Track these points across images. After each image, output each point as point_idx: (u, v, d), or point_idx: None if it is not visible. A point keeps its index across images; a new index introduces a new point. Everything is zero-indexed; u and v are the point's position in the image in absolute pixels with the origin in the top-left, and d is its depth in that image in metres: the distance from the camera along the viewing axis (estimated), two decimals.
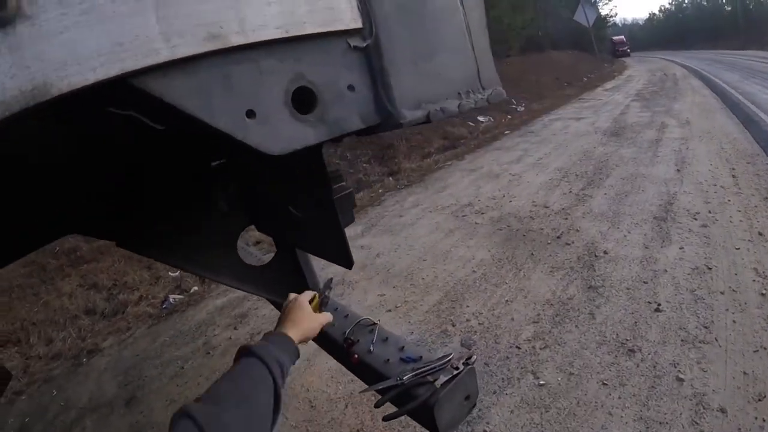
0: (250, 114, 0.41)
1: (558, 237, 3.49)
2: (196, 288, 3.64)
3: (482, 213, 4.31)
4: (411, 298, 2.94)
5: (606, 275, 2.81)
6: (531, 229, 3.75)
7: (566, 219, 3.82)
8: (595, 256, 3.08)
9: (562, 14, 24.99)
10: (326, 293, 1.16)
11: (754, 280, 2.54)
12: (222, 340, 2.84)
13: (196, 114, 0.38)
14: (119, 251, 4.22)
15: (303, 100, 0.44)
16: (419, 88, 0.51)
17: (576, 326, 2.37)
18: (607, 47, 37.35)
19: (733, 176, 4.29)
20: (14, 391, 2.62)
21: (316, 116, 0.44)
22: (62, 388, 2.62)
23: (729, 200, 3.73)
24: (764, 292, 2.42)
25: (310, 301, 0.99)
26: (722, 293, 2.46)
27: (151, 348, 2.90)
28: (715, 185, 4.11)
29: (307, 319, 0.94)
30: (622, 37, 45.09)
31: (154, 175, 1.26)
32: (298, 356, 0.86)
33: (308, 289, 1.61)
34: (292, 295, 1.01)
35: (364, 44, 0.46)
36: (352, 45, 0.46)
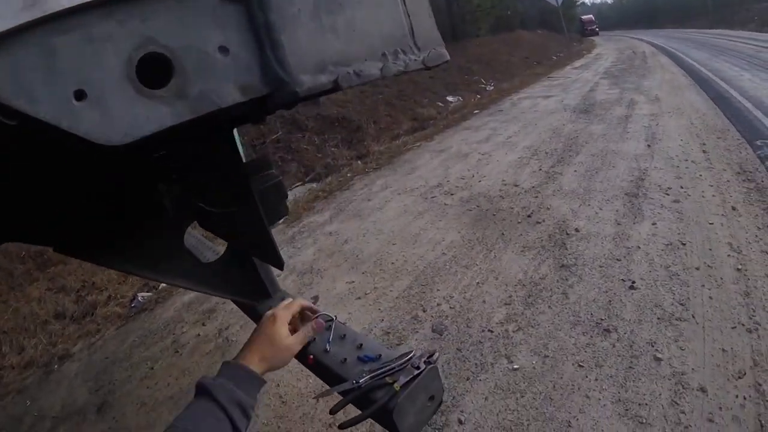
0: (80, 95, 0.30)
1: (528, 216, 3.45)
2: (164, 285, 3.51)
3: (451, 194, 4.24)
4: (380, 284, 2.86)
5: (578, 253, 2.77)
6: (501, 208, 3.69)
7: (536, 197, 3.77)
8: (567, 234, 3.04)
9: None
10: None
11: (729, 255, 2.52)
12: (190, 337, 2.74)
13: (12, 103, 0.28)
14: None
15: (154, 72, 0.32)
16: (323, 47, 0.41)
17: (549, 307, 2.32)
18: (576, 26, 37.60)
19: (704, 151, 4.29)
20: None
21: (171, 90, 0.34)
22: (35, 398, 2.52)
23: (700, 175, 3.71)
24: (740, 267, 2.40)
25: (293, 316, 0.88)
26: (697, 269, 2.43)
27: (121, 350, 2.80)
28: (686, 160, 4.09)
29: (278, 347, 0.82)
30: (591, 16, 45.39)
31: (80, 174, 1.12)
32: (262, 385, 0.78)
33: (263, 286, 1.51)
34: (269, 312, 0.87)
35: None
36: None
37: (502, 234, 3.23)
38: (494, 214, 3.59)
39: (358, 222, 3.96)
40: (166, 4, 0.33)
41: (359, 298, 2.76)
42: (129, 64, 0.32)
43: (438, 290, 2.67)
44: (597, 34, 39.96)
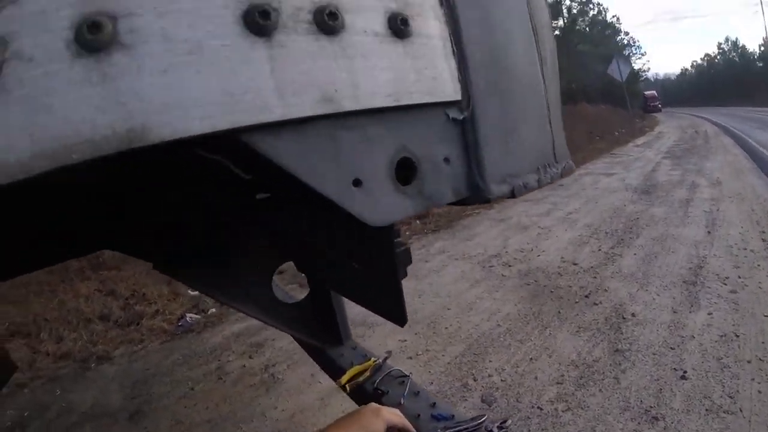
0: (357, 183, 0.42)
1: (586, 296, 3.49)
2: (213, 310, 3.69)
3: (510, 265, 4.33)
4: (433, 347, 2.95)
5: (633, 339, 2.80)
6: (559, 286, 3.76)
7: (595, 278, 3.83)
8: (623, 318, 3.07)
9: (596, 68, 25.31)
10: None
11: None
12: (236, 367, 2.86)
13: (304, 178, 0.39)
14: (142, 262, 4.29)
15: (404, 172, 0.45)
16: (505, 163, 0.53)
17: (600, 390, 2.36)
18: (638, 102, 37.63)
19: (764, 240, 4.29)
20: (17, 383, 2.69)
21: (414, 188, 0.46)
22: (66, 390, 2.68)
23: (759, 265, 3.72)
24: None
25: None
26: (749, 362, 2.45)
27: (163, 364, 2.96)
28: (746, 249, 4.10)
29: None
30: (654, 92, 45.54)
31: (198, 204, 1.29)
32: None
33: (337, 328, 1.61)
34: (375, 406, 0.80)
35: (461, 117, 0.49)
36: (450, 117, 0.48)
37: (559, 312, 3.29)
38: (552, 291, 3.66)
39: (414, 282, 4.07)
40: (416, 120, 0.46)
41: (410, 357, 2.85)
42: (391, 164, 0.45)
43: (490, 361, 2.74)
44: (660, 110, 39.98)
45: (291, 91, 0.35)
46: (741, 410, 2.09)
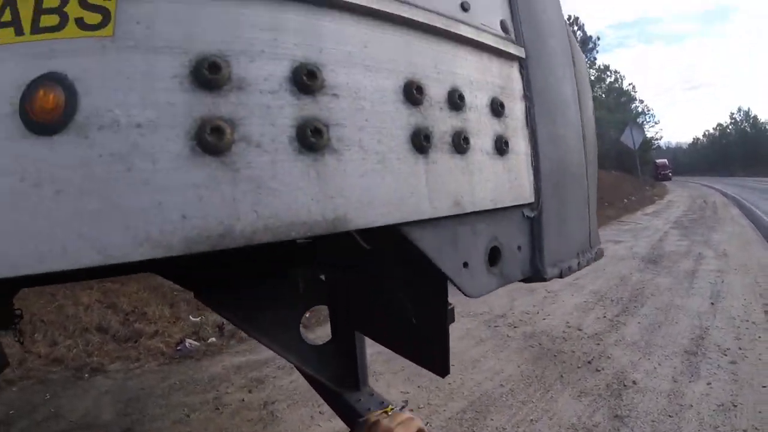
0: (465, 264, 0.56)
1: (589, 362, 3.58)
2: (214, 339, 3.75)
3: (515, 327, 4.43)
4: (435, 401, 3.03)
5: (633, 405, 2.89)
6: (562, 350, 3.85)
7: (598, 344, 3.93)
8: (624, 385, 3.15)
9: (610, 135, 25.99)
10: None
11: None
12: (234, 400, 2.92)
13: (434, 260, 0.53)
14: (146, 279, 4.36)
15: (492, 256, 0.59)
16: (558, 251, 0.68)
17: None
18: (650, 169, 38.29)
19: (766, 312, 4.41)
20: (5, 379, 2.72)
21: (498, 269, 0.60)
22: (56, 395, 2.73)
23: (759, 337, 3.84)
24: None
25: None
26: (745, 431, 2.54)
27: (159, 386, 3.00)
28: (747, 320, 4.22)
29: None
30: (665, 160, 46.43)
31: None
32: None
33: (356, 374, 1.70)
34: (373, 418, 0.80)
35: (533, 215, 0.64)
36: (525, 215, 0.63)
37: (561, 376, 3.38)
38: (555, 355, 3.76)
39: None
40: (504, 218, 0.61)
41: (412, 410, 2.89)
42: (486, 250, 0.59)
43: (491, 420, 2.82)
44: (670, 178, 40.66)
45: (436, 197, 0.50)
46: None
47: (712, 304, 4.73)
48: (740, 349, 3.58)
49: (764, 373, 3.16)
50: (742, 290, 5.11)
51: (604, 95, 36.32)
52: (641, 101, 44.60)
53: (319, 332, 3.85)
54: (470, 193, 0.54)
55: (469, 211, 0.55)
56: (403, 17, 0.48)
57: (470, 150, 0.52)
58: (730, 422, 2.61)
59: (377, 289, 0.64)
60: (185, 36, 0.37)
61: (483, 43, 0.56)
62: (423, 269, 0.62)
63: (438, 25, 0.50)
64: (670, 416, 2.71)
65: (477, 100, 0.55)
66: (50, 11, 0.34)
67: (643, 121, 40.31)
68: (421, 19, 0.49)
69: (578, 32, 31.56)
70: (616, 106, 35.57)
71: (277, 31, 0.40)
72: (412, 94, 0.47)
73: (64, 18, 0.34)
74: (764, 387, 2.96)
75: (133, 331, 3.70)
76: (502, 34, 0.60)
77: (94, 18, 0.35)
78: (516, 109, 0.61)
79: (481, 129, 0.55)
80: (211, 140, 0.35)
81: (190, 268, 1.55)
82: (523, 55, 0.62)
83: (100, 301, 4.12)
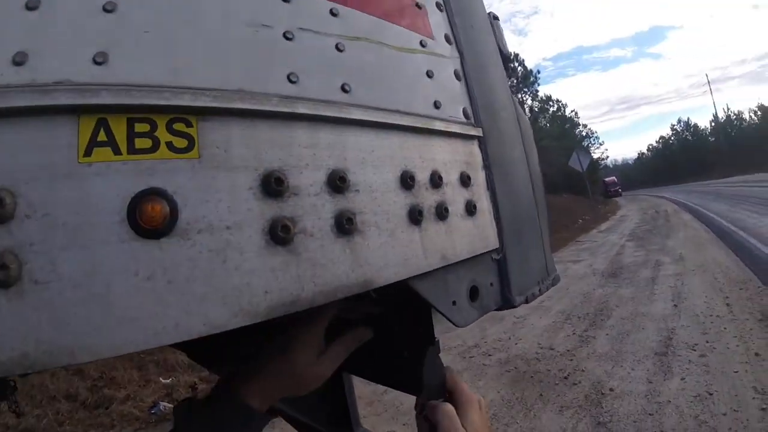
0: (454, 303, 0.71)
1: (565, 377, 3.77)
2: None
3: (489, 355, 4.61)
4: None
5: (613, 411, 3.09)
6: (538, 370, 4.05)
7: (572, 360, 4.13)
8: (602, 393, 3.34)
9: (557, 160, 27.18)
10: None
11: (753, 398, 2.90)
12: None
13: (432, 302, 0.68)
14: None
15: (472, 294, 0.76)
16: (521, 282, 0.85)
17: None
18: (599, 188, 40.10)
19: (727, 304, 4.79)
20: None
21: (478, 303, 0.76)
22: None
23: (725, 328, 4.16)
24: (764, 406, 2.77)
25: None
26: (724, 414, 2.79)
27: None
28: (711, 315, 4.57)
29: (300, 375, 0.66)
30: (614, 177, 48.73)
31: None
32: (263, 426, 0.64)
33: (348, 416, 1.78)
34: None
35: (499, 257, 0.81)
36: (493, 258, 0.80)
37: (541, 394, 3.57)
38: (532, 376, 3.95)
39: None
40: (478, 262, 0.75)
41: None
42: (467, 290, 0.74)
43: None
44: (620, 194, 42.57)
45: (430, 255, 0.65)
46: None
47: (675, 305, 5.05)
48: (708, 342, 3.87)
49: (734, 359, 3.45)
50: (703, 288, 5.49)
51: (548, 124, 38.03)
52: (585, 125, 47.24)
53: None
54: (452, 248, 0.70)
55: (452, 261, 0.70)
56: (399, 124, 0.65)
57: (449, 216, 0.69)
58: (708, 409, 2.84)
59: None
60: (254, 156, 0.50)
61: (452, 132, 0.73)
62: (417, 311, 0.78)
63: (420, 125, 0.68)
64: (650, 414, 2.93)
65: (451, 177, 0.72)
66: (142, 135, 0.44)
67: (588, 144, 42.60)
68: (409, 123, 0.66)
69: (519, 68, 33.25)
70: (561, 133, 37.33)
71: (315, 148, 0.56)
72: (407, 181, 0.64)
73: (156, 141, 0.45)
74: (736, 372, 3.24)
75: (103, 397, 3.63)
76: (465, 120, 0.79)
77: (181, 143, 0.46)
78: (479, 177, 0.79)
79: (455, 198, 0.72)
80: (282, 234, 0.49)
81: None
82: (481, 134, 0.80)
83: (66, 368, 4.01)
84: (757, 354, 3.47)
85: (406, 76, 0.72)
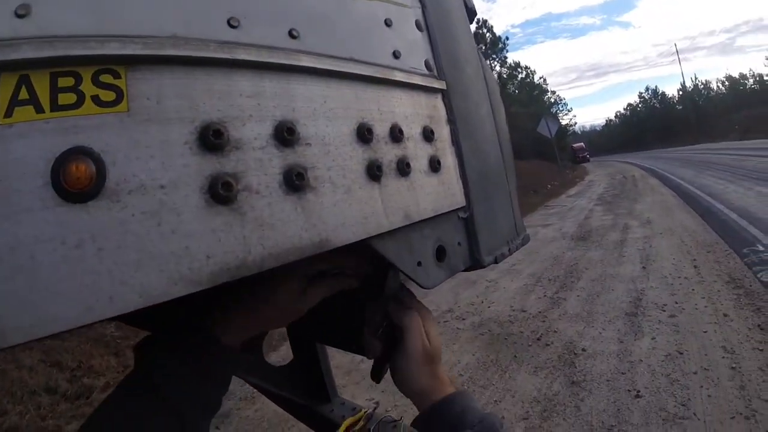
0: (419, 264, 0.68)
1: (538, 339, 3.83)
2: None
3: (463, 319, 4.63)
4: (401, 401, 3.13)
5: (586, 370, 3.15)
6: (511, 332, 4.10)
7: (544, 321, 4.20)
8: (575, 354, 3.41)
9: (526, 126, 27.41)
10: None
11: (723, 357, 2.98)
12: None
13: (396, 263, 0.64)
14: (86, 332, 4.18)
15: (439, 254, 0.73)
16: (490, 242, 0.82)
17: (564, 419, 2.69)
18: (568, 154, 40.77)
19: (695, 267, 4.91)
20: None
21: (445, 264, 0.73)
22: None
23: (693, 289, 4.27)
24: (734, 365, 2.85)
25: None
26: (695, 373, 2.86)
27: None
28: (680, 277, 4.67)
29: (279, 310, 0.66)
30: (582, 144, 49.51)
31: None
32: (241, 365, 0.68)
33: (325, 387, 1.77)
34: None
35: (465, 215, 0.77)
36: (460, 216, 0.77)
37: (515, 356, 3.61)
38: (506, 338, 3.99)
39: None
40: (444, 221, 0.72)
41: (387, 410, 2.99)
42: (433, 250, 0.70)
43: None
44: (588, 160, 43.35)
45: (391, 213, 0.61)
46: (695, 414, 2.46)
47: (644, 267, 5.14)
48: (677, 303, 3.95)
49: (703, 320, 3.53)
50: (670, 251, 5.59)
51: (517, 91, 38.28)
52: (553, 92, 47.73)
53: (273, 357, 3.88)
54: (416, 206, 0.66)
55: (416, 220, 0.66)
56: (353, 73, 0.60)
57: (412, 172, 0.65)
58: (679, 368, 2.91)
59: (333, 301, 0.74)
60: (190, 107, 0.45)
61: (413, 83, 0.68)
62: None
63: (378, 75, 0.62)
64: (623, 373, 2.98)
65: (412, 131, 0.68)
66: (66, 89, 0.40)
67: (556, 111, 43.19)
68: (365, 72, 0.61)
69: (488, 34, 33.10)
70: (530, 100, 37.65)
71: (259, 98, 0.50)
72: (364, 134, 0.59)
73: (81, 96, 0.40)
74: (705, 332, 3.31)
75: (83, 387, 3.54)
76: (427, 72, 0.74)
77: (108, 96, 0.41)
78: (443, 132, 0.75)
79: (418, 153, 0.68)
80: (223, 193, 0.44)
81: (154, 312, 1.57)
82: (444, 87, 0.75)
83: (43, 361, 3.92)
84: (725, 315, 3.56)
85: (362, 24, 0.67)
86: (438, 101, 0.76)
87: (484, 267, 0.79)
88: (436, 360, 0.73)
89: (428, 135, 0.71)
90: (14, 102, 0.38)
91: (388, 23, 0.71)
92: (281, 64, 0.53)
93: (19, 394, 3.32)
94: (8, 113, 0.38)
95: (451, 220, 0.75)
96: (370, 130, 0.60)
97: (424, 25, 0.80)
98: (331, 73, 0.58)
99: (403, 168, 0.64)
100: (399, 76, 0.67)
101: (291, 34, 0.56)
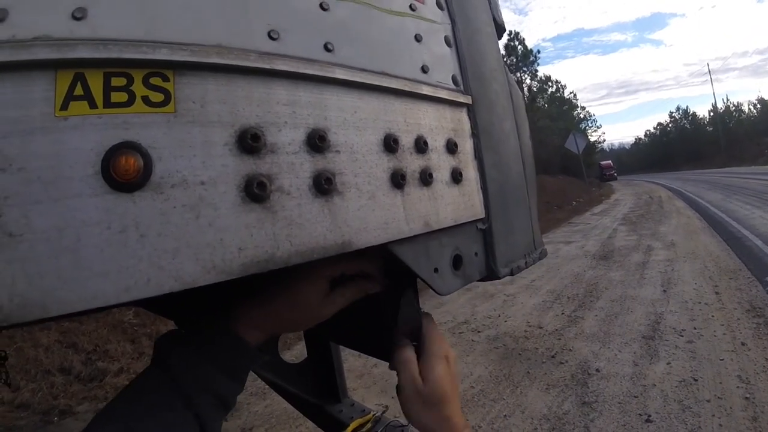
0: (436, 270, 0.71)
1: (552, 356, 3.80)
2: None
3: (479, 331, 4.62)
4: None
5: (599, 391, 3.12)
6: (526, 348, 4.08)
7: (560, 339, 4.16)
8: (588, 374, 3.37)
9: (554, 142, 27.14)
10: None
11: (737, 387, 2.93)
12: None
13: (413, 268, 0.67)
14: (104, 317, 4.29)
15: (456, 262, 0.75)
16: (507, 254, 0.84)
17: None
18: (595, 171, 40.22)
19: (716, 293, 4.81)
20: None
21: (461, 272, 0.75)
22: None
23: (713, 316, 4.19)
24: (748, 396, 2.80)
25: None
26: (708, 401, 2.82)
27: None
28: (700, 303, 4.59)
29: (302, 312, 0.66)
30: (610, 162, 48.89)
31: None
32: (257, 362, 0.62)
33: (336, 387, 1.80)
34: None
35: (484, 227, 0.80)
36: (478, 227, 0.79)
37: (528, 372, 3.59)
38: (520, 353, 3.98)
39: None
40: (462, 231, 0.75)
41: (396, 417, 2.99)
42: (451, 258, 0.73)
43: (467, 420, 2.90)
44: (615, 179, 42.79)
45: (412, 220, 0.64)
46: None
47: (665, 291, 5.05)
48: (695, 329, 3.88)
49: (721, 347, 3.45)
50: (692, 276, 5.46)
51: (546, 105, 37.93)
52: (583, 108, 47.21)
53: (287, 355, 3.92)
54: (436, 215, 0.69)
55: (435, 228, 0.69)
56: (382, 86, 0.63)
57: (434, 182, 0.68)
58: (693, 395, 2.86)
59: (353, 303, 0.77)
60: (230, 112, 0.49)
61: (439, 97, 0.72)
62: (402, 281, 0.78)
63: (406, 89, 0.66)
64: (635, 397, 2.94)
65: (436, 143, 0.71)
66: (118, 89, 0.44)
67: (585, 127, 42.73)
68: (394, 86, 0.64)
69: (519, 46, 33.02)
70: (559, 115, 37.29)
71: (294, 106, 0.54)
72: (390, 144, 0.62)
73: (132, 96, 0.44)
74: (722, 360, 3.25)
75: (97, 370, 3.62)
76: (453, 87, 0.77)
77: (157, 97, 0.45)
78: (467, 145, 0.78)
79: (441, 165, 0.71)
80: (257, 192, 0.48)
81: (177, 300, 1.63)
82: (470, 102, 0.78)
83: (60, 342, 4.01)
84: (743, 344, 3.49)
85: (393, 39, 0.70)
86: (463, 115, 0.79)
87: (499, 278, 0.82)
88: (439, 403, 0.67)
89: (452, 147, 0.74)
90: (69, 97, 0.42)
91: (418, 39, 0.75)
92: (316, 75, 0.57)
93: (33, 372, 3.40)
94: (64, 107, 0.42)
95: (470, 231, 0.78)
96: (396, 141, 0.64)
97: (453, 41, 0.83)
98: (362, 86, 0.62)
99: (426, 178, 0.67)
100: (426, 90, 0.71)
101: (326, 47, 0.60)
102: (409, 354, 0.71)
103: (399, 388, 0.70)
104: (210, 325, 0.60)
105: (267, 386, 2.00)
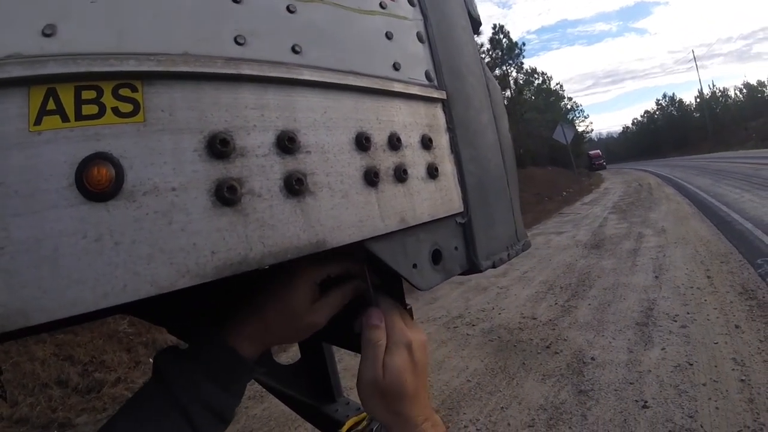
0: (415, 266, 0.71)
1: (547, 347, 3.83)
2: None
3: (473, 325, 4.65)
4: None
5: (595, 379, 3.15)
6: (521, 339, 4.11)
7: (554, 329, 4.20)
8: (583, 362, 3.40)
9: (542, 133, 27.27)
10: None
11: (733, 369, 2.97)
12: None
13: (391, 265, 0.67)
14: (99, 327, 4.28)
15: (435, 257, 0.76)
16: (488, 247, 0.85)
17: (569, 428, 2.70)
18: (584, 161, 40.50)
19: (708, 277, 4.88)
20: None
21: (441, 267, 0.76)
22: None
23: (705, 300, 4.25)
24: (743, 378, 2.84)
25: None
26: (704, 384, 2.86)
27: None
28: (692, 287, 4.65)
29: (292, 321, 0.65)
30: (598, 151, 49.23)
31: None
32: (252, 375, 0.63)
33: (331, 387, 1.81)
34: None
35: (464, 221, 0.80)
36: (457, 222, 0.80)
37: (523, 363, 3.63)
38: (515, 345, 4.01)
39: None
40: (441, 226, 0.75)
41: None
42: (429, 253, 0.73)
43: (464, 414, 3.02)
44: (604, 167, 43.08)
45: (387, 217, 0.64)
46: (702, 426, 2.46)
47: (656, 277, 5.11)
48: (688, 313, 3.93)
49: (714, 331, 3.51)
50: (684, 261, 5.54)
51: (533, 97, 38.16)
52: (569, 98, 47.49)
53: (283, 357, 3.92)
54: (412, 211, 0.70)
55: (412, 224, 0.70)
56: (352, 85, 0.64)
57: (409, 178, 0.69)
58: (688, 379, 2.90)
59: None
60: (199, 118, 0.50)
61: (412, 93, 0.72)
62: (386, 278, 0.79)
63: (377, 87, 0.66)
64: (631, 383, 2.98)
65: (411, 139, 0.71)
66: (89, 101, 0.45)
67: (572, 117, 43.05)
68: (365, 84, 0.65)
69: (504, 40, 33.05)
70: (546, 106, 37.51)
71: (263, 109, 0.55)
72: (362, 143, 0.63)
73: (102, 107, 0.45)
74: (716, 343, 3.30)
75: (95, 381, 3.62)
76: (427, 83, 0.77)
77: (126, 107, 0.46)
78: (442, 140, 0.78)
79: (416, 161, 0.72)
80: (228, 195, 0.49)
81: (167, 308, 1.62)
82: (444, 97, 0.79)
83: (56, 354, 4.00)
84: (737, 326, 3.54)
85: (363, 38, 0.71)
86: (438, 110, 0.80)
87: (481, 271, 0.82)
88: (396, 397, 0.63)
89: (427, 143, 0.75)
90: (43, 112, 0.43)
91: (389, 36, 0.76)
92: (284, 78, 0.58)
93: (30, 386, 3.40)
94: (37, 122, 0.43)
95: (449, 225, 0.78)
96: (368, 139, 0.64)
97: (426, 37, 0.84)
98: (331, 86, 0.63)
99: (401, 175, 0.68)
100: (398, 87, 0.71)
101: (294, 50, 0.61)
102: (376, 336, 0.67)
103: (358, 374, 0.67)
104: (206, 339, 0.60)
105: (264, 390, 2.00)
